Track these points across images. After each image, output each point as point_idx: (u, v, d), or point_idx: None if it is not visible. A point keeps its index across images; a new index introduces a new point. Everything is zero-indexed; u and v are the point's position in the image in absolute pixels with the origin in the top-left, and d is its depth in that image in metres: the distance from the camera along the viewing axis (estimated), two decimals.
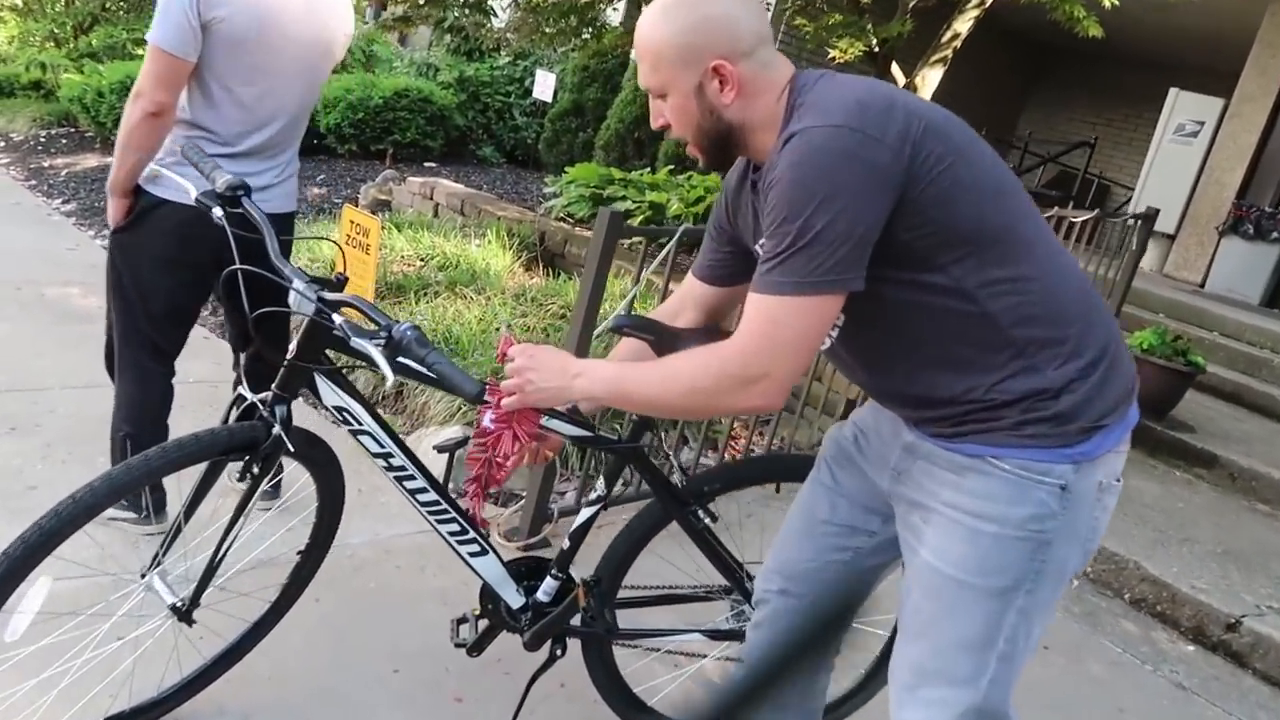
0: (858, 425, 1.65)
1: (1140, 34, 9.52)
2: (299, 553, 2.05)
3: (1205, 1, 7.32)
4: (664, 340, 1.75)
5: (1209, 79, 9.13)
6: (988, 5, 5.85)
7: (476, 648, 2.06)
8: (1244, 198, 7.86)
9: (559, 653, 2.01)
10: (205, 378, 3.84)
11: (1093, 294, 1.39)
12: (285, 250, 2.70)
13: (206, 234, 2.14)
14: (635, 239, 3.68)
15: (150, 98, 2.24)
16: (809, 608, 1.67)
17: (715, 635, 2.08)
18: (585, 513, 1.90)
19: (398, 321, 1.49)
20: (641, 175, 7.09)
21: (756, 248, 1.46)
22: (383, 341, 1.47)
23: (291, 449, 1.71)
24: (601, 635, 1.92)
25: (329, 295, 1.56)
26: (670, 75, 1.37)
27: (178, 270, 2.47)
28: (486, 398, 1.59)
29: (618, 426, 3.54)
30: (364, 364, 1.58)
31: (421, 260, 5.12)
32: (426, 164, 9.00)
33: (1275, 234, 7.63)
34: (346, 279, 1.64)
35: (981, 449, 1.36)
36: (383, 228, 5.47)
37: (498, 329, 4.27)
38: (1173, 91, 8.79)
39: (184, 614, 1.82)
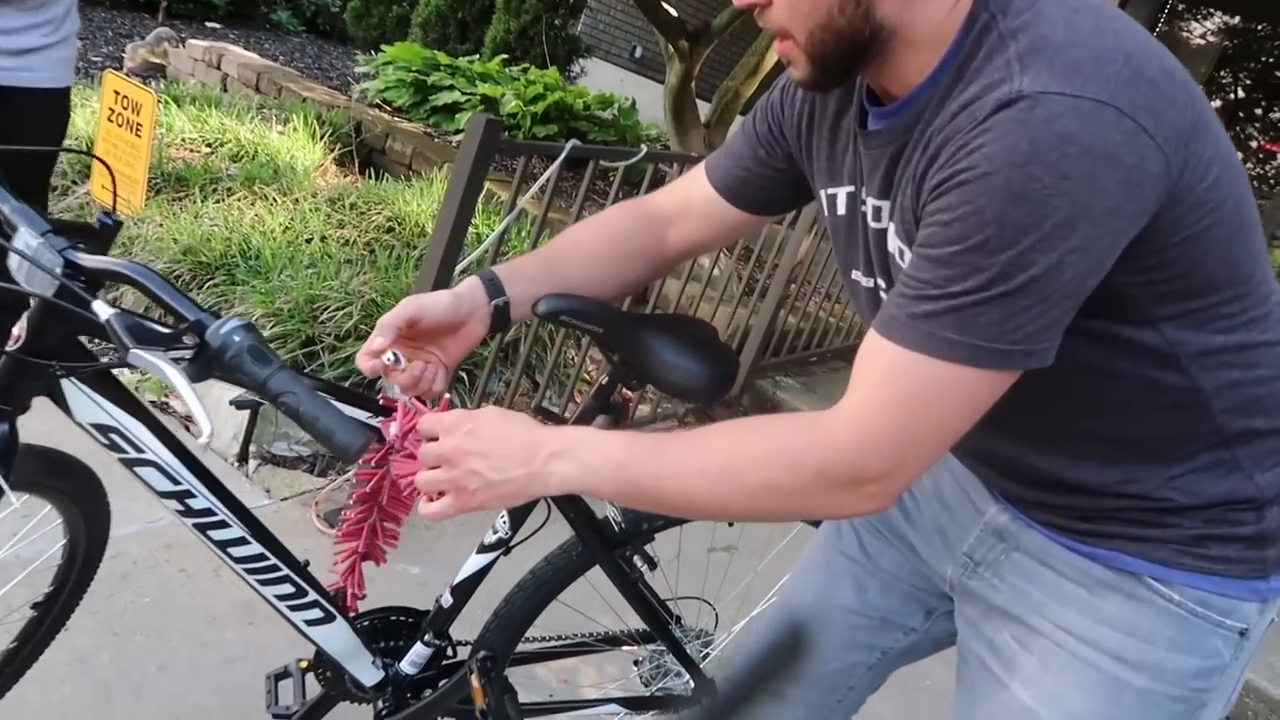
0: None
1: None
2: (34, 606, 1.38)
3: None
4: (620, 333, 1.21)
5: None
6: None
7: None
8: None
9: None
10: None
11: None
12: (44, 160, 1.90)
13: None
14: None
15: None
16: None
17: (635, 705, 1.61)
18: (476, 561, 1.36)
19: (213, 314, 0.86)
20: (471, 63, 6.28)
21: (866, 207, 0.95)
22: (188, 346, 0.84)
23: (5, 483, 1.04)
24: None
25: (85, 259, 0.89)
26: None
27: None
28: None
29: None
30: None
31: (209, 146, 4.18)
32: (208, 23, 7.67)
33: None
34: (119, 223, 0.97)
35: (1136, 563, 0.93)
36: (158, 101, 4.44)
37: (308, 241, 3.51)
38: None
39: None
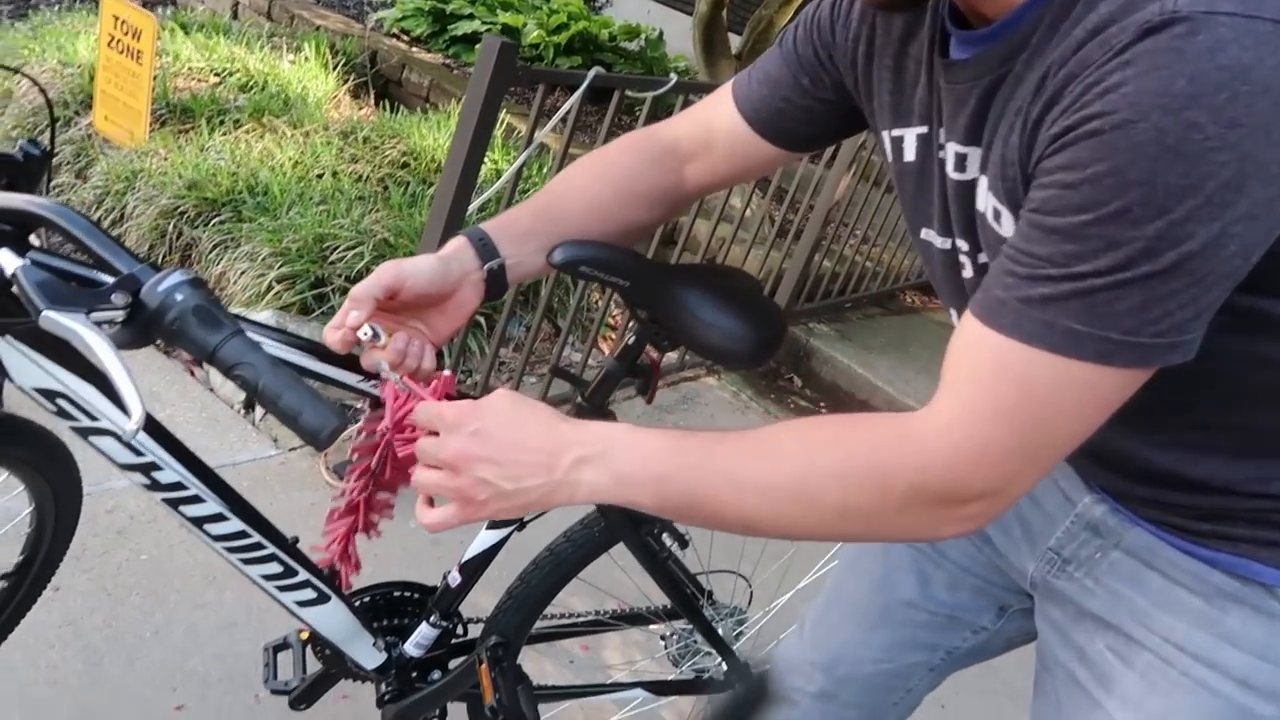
0: None
1: None
2: (3, 577, 1.26)
3: None
4: (648, 287, 1.04)
5: None
6: None
7: (305, 699, 1.38)
8: None
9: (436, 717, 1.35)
10: None
11: None
12: None
13: None
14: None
15: None
16: None
17: (661, 690, 1.48)
18: (487, 538, 1.21)
19: (152, 266, 0.70)
20: None
21: (945, 154, 0.77)
22: (118, 306, 0.68)
23: None
24: None
25: None
26: None
27: None
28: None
29: (528, 383, 2.79)
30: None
31: (216, 76, 3.98)
32: None
33: None
34: (48, 154, 0.81)
35: (1266, 572, 0.77)
36: (163, 27, 4.24)
37: (319, 176, 3.34)
38: None
39: None
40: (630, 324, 1.15)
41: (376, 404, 1.02)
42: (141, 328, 0.68)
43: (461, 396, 1.09)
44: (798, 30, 0.95)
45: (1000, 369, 0.65)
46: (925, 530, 0.71)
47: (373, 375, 1.03)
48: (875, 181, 3.70)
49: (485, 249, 0.94)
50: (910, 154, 0.83)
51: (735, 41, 5.43)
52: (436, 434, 0.78)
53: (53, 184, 3.42)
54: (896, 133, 0.85)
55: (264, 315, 2.67)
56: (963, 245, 0.80)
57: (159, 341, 0.72)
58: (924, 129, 0.81)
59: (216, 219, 3.00)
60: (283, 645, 1.41)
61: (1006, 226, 0.70)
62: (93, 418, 0.94)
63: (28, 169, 0.79)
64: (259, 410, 2.47)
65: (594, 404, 1.15)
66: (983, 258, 0.77)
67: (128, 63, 3.27)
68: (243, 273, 2.83)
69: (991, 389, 0.65)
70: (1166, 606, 0.82)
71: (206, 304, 0.69)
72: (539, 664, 1.81)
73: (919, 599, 1.06)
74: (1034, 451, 0.66)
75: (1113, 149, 0.57)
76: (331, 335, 0.85)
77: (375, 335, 0.84)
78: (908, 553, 1.07)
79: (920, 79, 0.80)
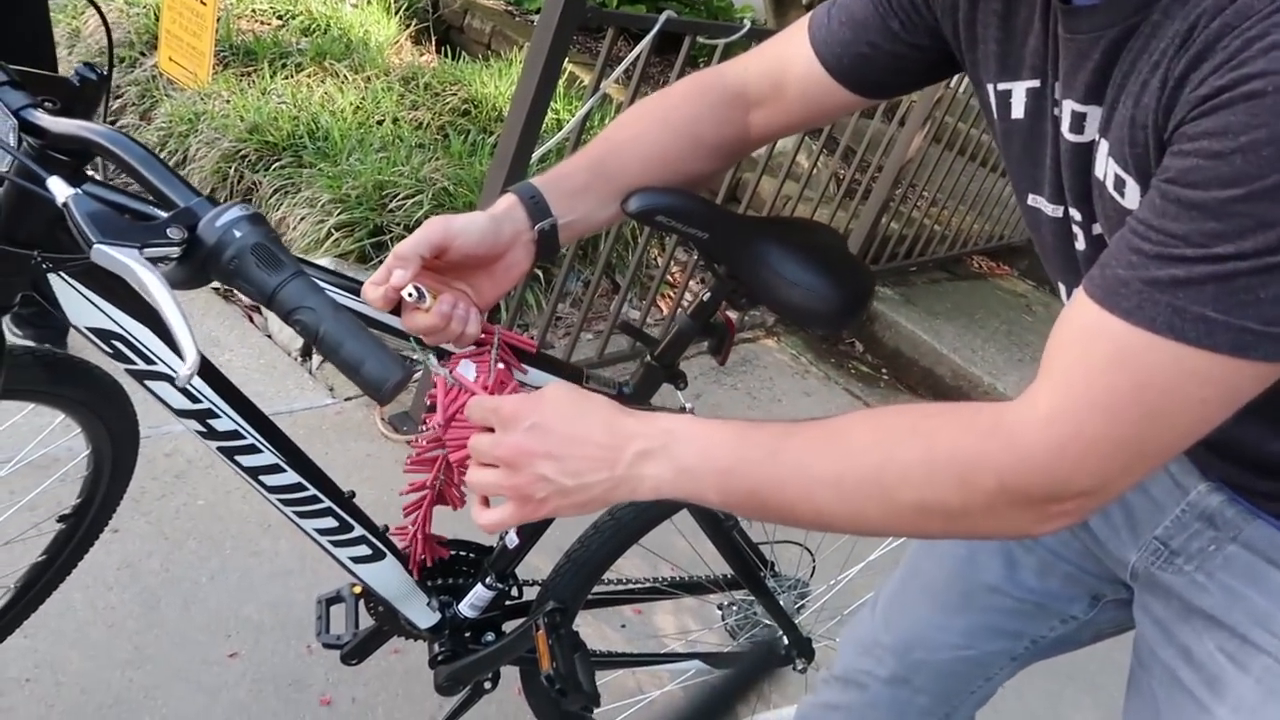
0: None
1: None
2: (60, 519, 1.25)
3: None
4: (729, 240, 0.97)
5: None
6: None
7: (356, 654, 1.35)
8: None
9: (486, 686, 1.32)
10: None
11: None
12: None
13: None
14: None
15: None
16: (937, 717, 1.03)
17: (719, 662, 1.43)
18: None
19: (210, 200, 0.65)
20: None
21: (1061, 111, 0.69)
22: (173, 242, 0.63)
23: None
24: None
25: (47, 120, 0.69)
26: None
27: None
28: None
29: (585, 339, 2.74)
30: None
31: (280, 19, 3.95)
32: None
33: None
34: (104, 78, 0.76)
35: None
36: None
37: (379, 122, 3.29)
38: None
39: None
40: (703, 279, 1.08)
41: (443, 355, 0.98)
42: (198, 265, 0.64)
43: (573, 368, 1.04)
44: None
45: (1117, 357, 0.58)
46: (1012, 530, 0.65)
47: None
48: (948, 144, 3.55)
49: (537, 207, 0.87)
50: (1018, 110, 0.75)
51: None
52: (491, 430, 0.73)
53: (118, 125, 3.43)
54: (1004, 86, 0.76)
55: (323, 263, 2.64)
56: (1076, 215, 0.72)
57: (216, 283, 0.67)
58: (1036, 83, 0.73)
59: (277, 163, 2.97)
60: (336, 599, 1.39)
61: (1130, 197, 0.63)
62: (149, 361, 0.91)
63: (83, 94, 0.75)
64: (316, 358, 2.46)
65: (664, 363, 1.09)
66: (1098, 229, 0.70)
67: (192, 3, 3.24)
68: (302, 219, 2.81)
69: (1105, 379, 0.59)
70: None
71: (267, 242, 0.64)
72: (592, 627, 1.78)
73: (1005, 584, 0.99)
74: (1145, 449, 0.60)
75: (1275, 114, 0.50)
76: (372, 292, 0.79)
77: (420, 296, 0.77)
78: None
79: (1034, 26, 0.71)
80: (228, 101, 3.22)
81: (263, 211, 2.93)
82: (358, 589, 1.35)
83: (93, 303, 0.85)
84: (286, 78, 3.46)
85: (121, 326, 0.88)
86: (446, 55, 4.33)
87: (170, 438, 1.97)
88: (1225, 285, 0.54)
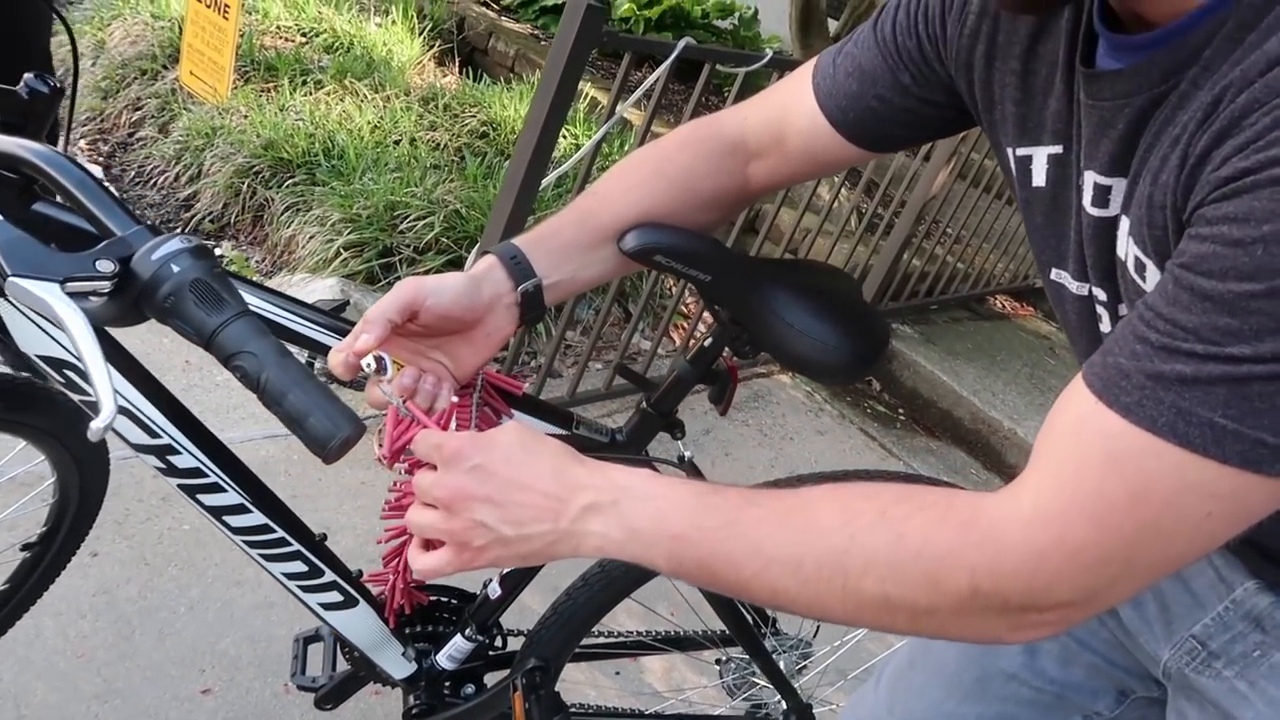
0: None
1: None
2: (24, 548, 1.19)
3: None
4: (732, 283, 0.90)
5: None
6: None
7: (331, 699, 1.28)
8: None
9: None
10: None
11: None
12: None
13: None
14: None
15: None
16: None
17: None
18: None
19: (151, 228, 0.59)
20: None
21: (1084, 182, 0.63)
22: (102, 275, 0.57)
23: None
24: None
25: None
26: None
27: None
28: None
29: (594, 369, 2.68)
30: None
31: (303, 37, 3.95)
32: None
33: None
34: (58, 90, 0.71)
35: None
36: None
37: (396, 142, 3.26)
38: None
39: None
40: (706, 322, 1.01)
41: None
42: (130, 302, 0.58)
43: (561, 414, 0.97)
44: (897, 15, 0.79)
45: (1112, 458, 0.51)
46: (984, 636, 0.58)
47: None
48: (973, 180, 3.48)
49: (519, 268, 0.81)
50: (1040, 178, 0.69)
51: (834, 26, 5.21)
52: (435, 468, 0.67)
53: (136, 137, 3.42)
54: (1023, 151, 0.70)
55: (329, 283, 2.60)
56: (1100, 294, 0.65)
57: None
58: (1058, 149, 0.66)
59: (291, 180, 2.94)
60: (314, 638, 1.32)
61: (1151, 282, 0.56)
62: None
63: (34, 108, 0.69)
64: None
65: (660, 410, 1.02)
66: (1124, 310, 0.63)
67: (215, 17, 3.23)
68: (311, 237, 2.77)
69: (1097, 482, 0.52)
70: None
71: (208, 278, 0.58)
72: (585, 674, 1.70)
73: (1023, 671, 0.91)
74: (1136, 563, 0.53)
75: None
76: (334, 359, 0.72)
77: (381, 368, 0.70)
78: None
79: (1055, 88, 0.65)
80: (245, 117, 3.20)
81: (272, 234, 2.91)
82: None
83: (43, 330, 0.80)
84: (306, 95, 3.44)
85: (73, 355, 0.82)
86: (469, 77, 4.31)
87: None
88: (1238, 390, 0.48)
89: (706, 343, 0.98)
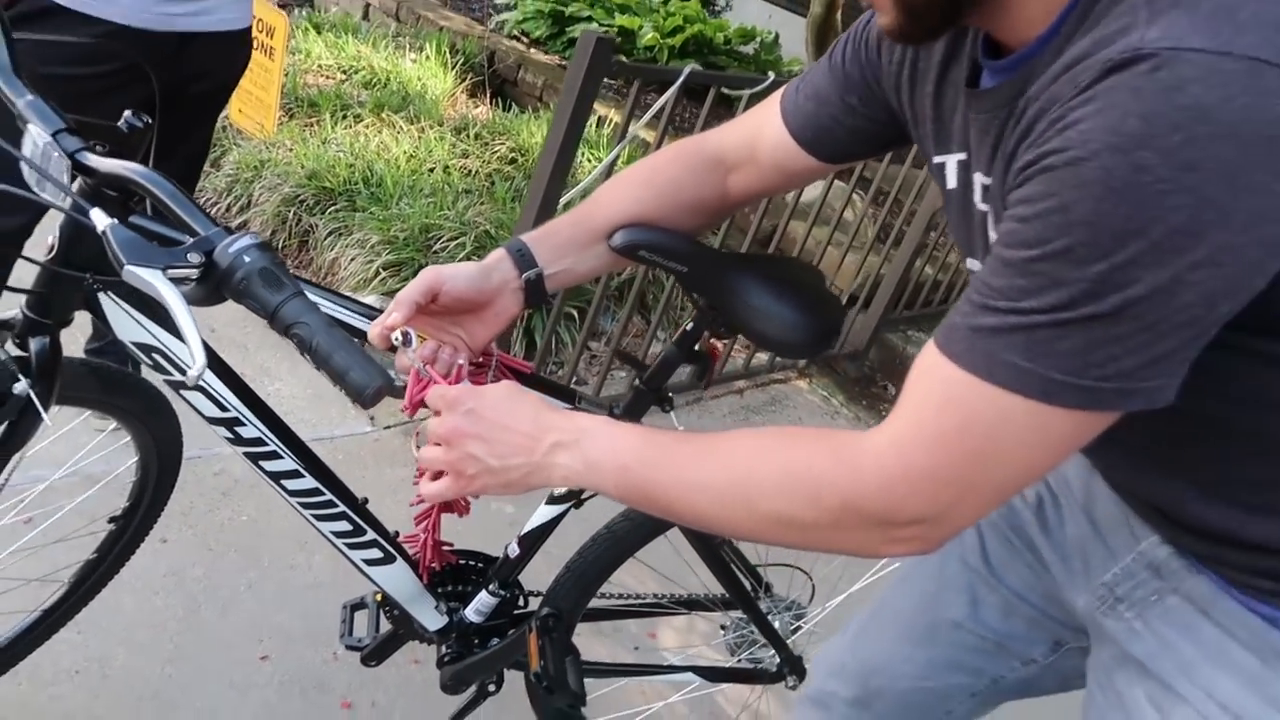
0: (1048, 482, 1.00)
1: None
2: (111, 520, 1.38)
3: None
4: (706, 273, 1.07)
5: None
6: None
7: (375, 656, 1.45)
8: None
9: (491, 689, 1.41)
10: None
11: None
12: (221, 95, 1.82)
13: None
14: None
15: None
16: None
17: (714, 676, 1.50)
18: (545, 512, 1.26)
19: (226, 229, 0.77)
20: None
21: (975, 183, 0.78)
22: (192, 265, 0.75)
23: (40, 404, 1.00)
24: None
25: (95, 161, 0.82)
26: None
27: None
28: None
29: (617, 376, 2.86)
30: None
31: (343, 73, 4.20)
32: None
33: None
34: (149, 124, 0.89)
35: None
36: (297, 27, 4.49)
37: (430, 170, 3.48)
38: None
39: None
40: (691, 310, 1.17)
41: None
42: (213, 286, 0.75)
43: (566, 390, 1.14)
44: (846, 47, 0.93)
45: (944, 397, 0.64)
46: (861, 548, 0.71)
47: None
48: None
49: (523, 259, 0.99)
50: (952, 181, 0.83)
51: None
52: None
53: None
54: (939, 159, 0.84)
55: (369, 300, 2.80)
56: None
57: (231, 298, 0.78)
58: (963, 155, 0.81)
59: (333, 207, 3.16)
60: (360, 605, 1.49)
61: None
62: (183, 372, 1.03)
63: (130, 140, 0.88)
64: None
65: (651, 387, 1.18)
66: None
67: (261, 58, 3.47)
68: (353, 259, 2.98)
69: (934, 416, 0.65)
70: (1216, 660, 0.78)
71: (271, 266, 0.75)
72: (610, 648, 1.85)
73: (968, 621, 1.04)
74: (973, 484, 0.65)
75: (1061, 185, 0.57)
76: (372, 332, 0.91)
77: (406, 340, 0.89)
78: (962, 572, 1.05)
79: (958, 105, 0.80)
80: (290, 150, 3.43)
81: (316, 257, 3.12)
82: (379, 596, 1.46)
83: (135, 319, 0.98)
84: (346, 128, 3.67)
85: (160, 341, 1.00)
86: (500, 107, 4.53)
87: (219, 458, 2.11)
88: (1029, 336, 0.59)
89: (688, 327, 1.14)
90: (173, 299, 0.71)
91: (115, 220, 0.74)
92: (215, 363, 1.05)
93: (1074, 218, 0.56)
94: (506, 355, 1.09)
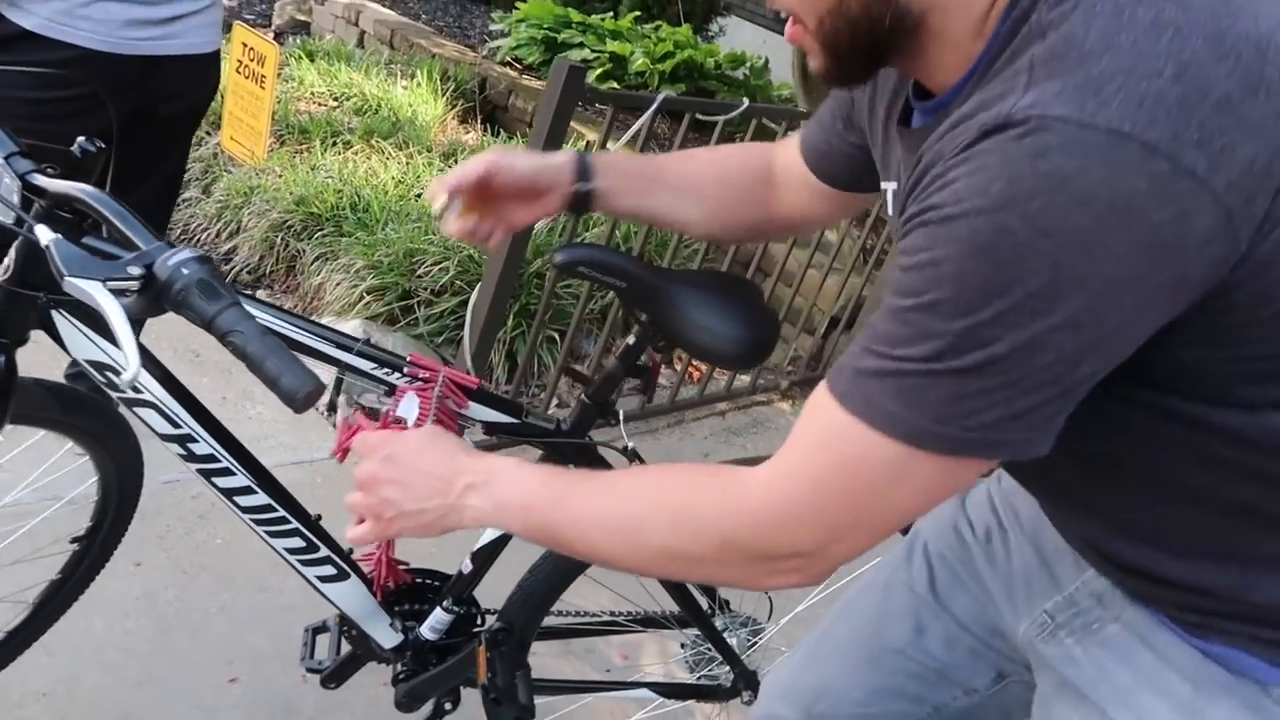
0: (996, 511, 1.01)
1: None
2: (74, 540, 1.40)
3: None
4: (644, 289, 1.09)
5: None
6: None
7: (335, 678, 1.46)
8: None
9: (447, 707, 1.42)
10: None
11: None
12: (192, 116, 1.92)
13: None
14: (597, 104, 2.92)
15: None
16: None
17: (670, 693, 1.51)
18: (494, 530, 1.28)
19: (169, 245, 0.80)
20: (603, 20, 6.20)
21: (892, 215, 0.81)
22: (132, 277, 0.77)
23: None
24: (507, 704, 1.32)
25: (45, 182, 0.85)
26: None
27: None
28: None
29: (562, 400, 2.88)
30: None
31: (335, 100, 4.26)
32: None
33: None
34: (103, 149, 0.92)
35: (1258, 666, 0.75)
36: (289, 55, 4.56)
37: (417, 196, 3.52)
38: None
39: None
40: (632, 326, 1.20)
41: (392, 390, 1.11)
42: (153, 297, 0.78)
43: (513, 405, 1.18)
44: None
45: (824, 434, 0.66)
46: (745, 580, 0.73)
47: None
48: None
49: (582, 171, 1.05)
50: (890, 209, 0.86)
51: None
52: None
53: (182, 197, 3.72)
54: (884, 185, 0.87)
55: (353, 324, 2.83)
56: None
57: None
58: (895, 186, 0.83)
59: (320, 233, 3.20)
60: (322, 629, 1.50)
61: None
62: (136, 390, 1.05)
63: (83, 163, 0.91)
64: (339, 413, 2.62)
65: (596, 401, 1.20)
66: None
67: (252, 87, 3.53)
68: (338, 283, 3.01)
69: (813, 453, 0.67)
70: (1152, 687, 0.79)
71: (209, 278, 0.78)
72: (575, 669, 1.86)
73: (911, 648, 1.04)
74: (849, 521, 0.67)
75: (934, 240, 0.59)
76: (435, 186, 1.03)
77: (455, 208, 1.02)
78: (908, 599, 1.05)
79: (896, 140, 0.82)
80: (280, 176, 3.47)
81: (302, 282, 3.16)
82: (340, 618, 1.47)
83: (88, 337, 1.01)
84: (336, 154, 3.72)
85: (111, 358, 1.03)
86: (491, 133, 4.59)
87: (196, 481, 2.12)
88: (902, 382, 0.61)
89: (630, 341, 1.16)
90: (108, 305, 0.74)
91: (59, 236, 0.77)
92: (168, 380, 1.07)
93: (944, 273, 0.58)
94: (454, 370, 1.12)
